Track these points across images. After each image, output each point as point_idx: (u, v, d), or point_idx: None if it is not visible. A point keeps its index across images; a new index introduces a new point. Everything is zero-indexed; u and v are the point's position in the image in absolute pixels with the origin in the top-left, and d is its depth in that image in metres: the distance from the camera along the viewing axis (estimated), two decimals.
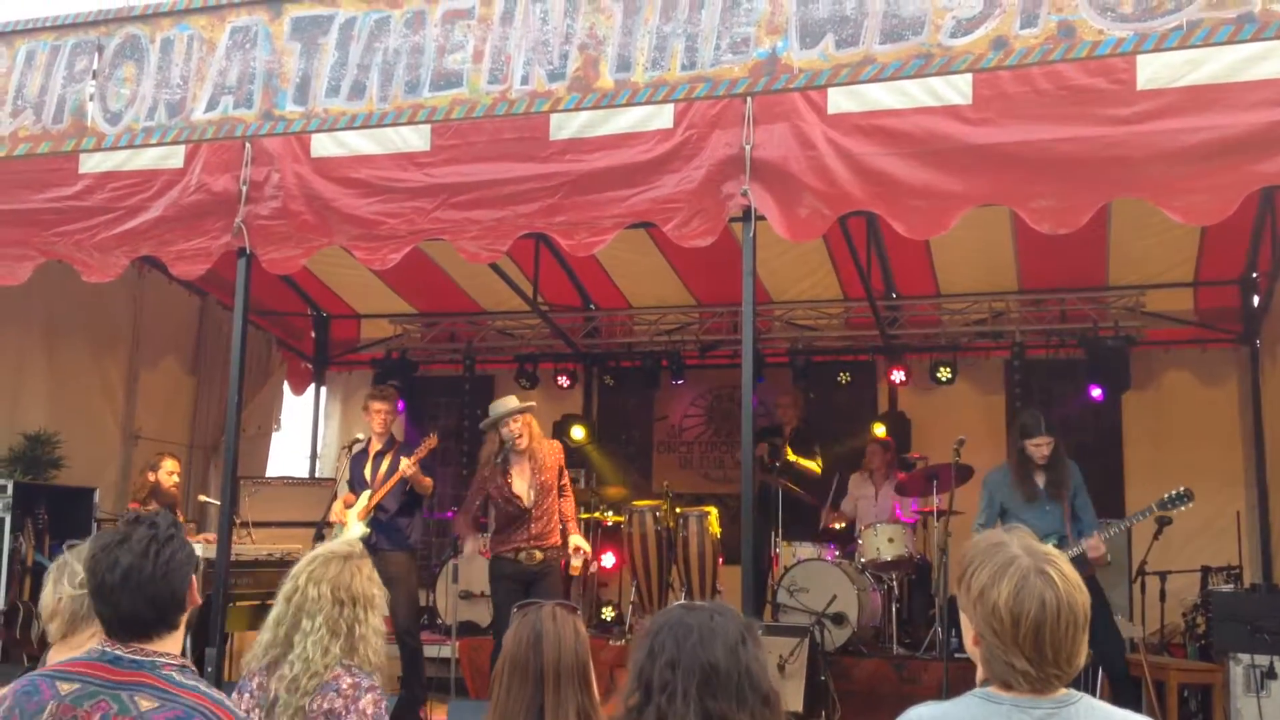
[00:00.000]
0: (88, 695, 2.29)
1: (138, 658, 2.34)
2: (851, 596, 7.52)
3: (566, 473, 6.89)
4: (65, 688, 2.30)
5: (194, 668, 2.43)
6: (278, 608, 3.22)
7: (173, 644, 2.42)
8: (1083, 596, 2.07)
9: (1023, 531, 2.18)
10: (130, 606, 2.36)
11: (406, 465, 6.76)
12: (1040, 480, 6.23)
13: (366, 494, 6.91)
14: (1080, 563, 6.02)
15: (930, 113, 4.87)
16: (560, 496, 6.74)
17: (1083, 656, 2.07)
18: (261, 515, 8.30)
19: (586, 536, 9.50)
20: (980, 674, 2.14)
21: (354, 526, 6.80)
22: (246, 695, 3.17)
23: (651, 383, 10.38)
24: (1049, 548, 2.15)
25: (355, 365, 11.06)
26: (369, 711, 3.05)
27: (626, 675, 2.29)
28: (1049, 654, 2.02)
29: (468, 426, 10.76)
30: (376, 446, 7.08)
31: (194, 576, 2.46)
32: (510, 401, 6.74)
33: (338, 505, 7.06)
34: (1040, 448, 6.17)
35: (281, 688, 3.09)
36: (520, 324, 10.27)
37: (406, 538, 7.03)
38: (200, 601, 2.52)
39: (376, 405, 7.09)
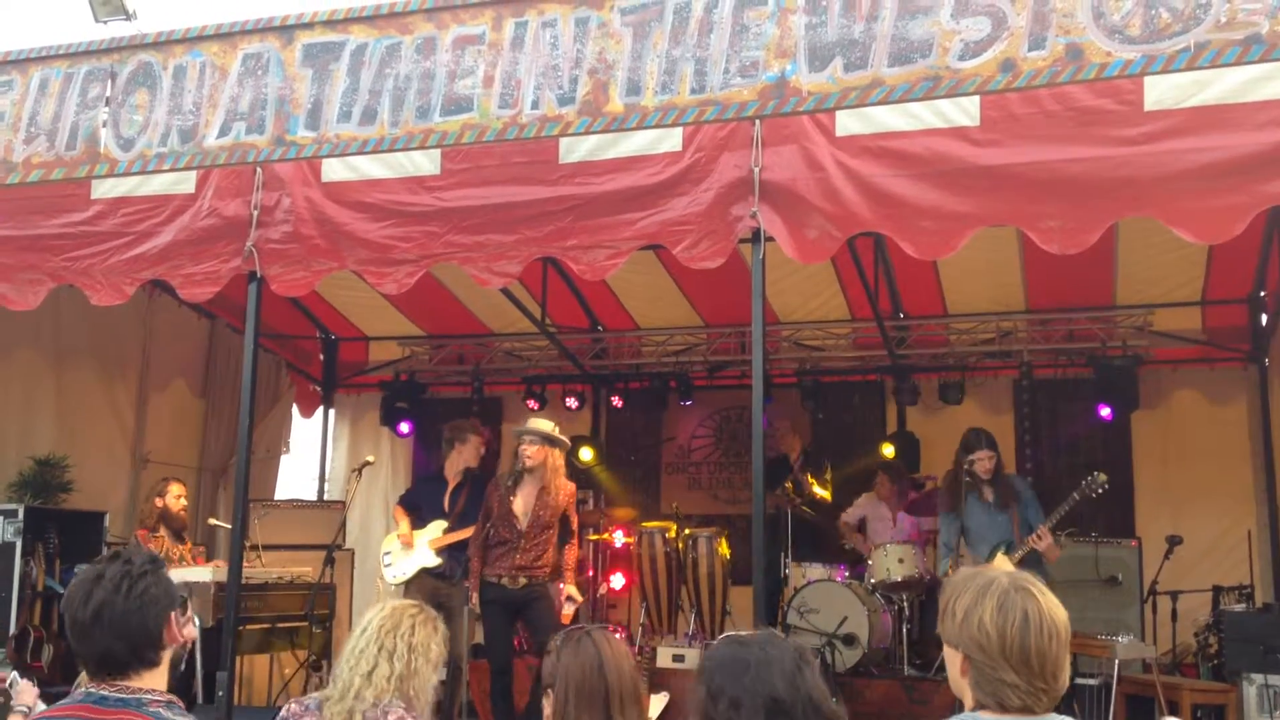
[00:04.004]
0: None
1: (124, 696, 2.33)
2: (862, 617, 7.50)
3: (575, 519, 6.78)
4: None
5: (180, 704, 2.41)
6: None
7: (156, 680, 2.39)
8: (1061, 613, 2.14)
9: (1002, 567, 2.24)
10: (103, 643, 2.34)
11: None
12: (989, 494, 6.67)
13: (440, 524, 7.06)
14: (1033, 562, 6.31)
15: (938, 134, 4.89)
16: (565, 544, 6.67)
17: (1066, 673, 2.13)
18: (271, 538, 8.32)
19: (596, 558, 9.45)
20: (968, 704, 2.18)
21: (425, 554, 6.90)
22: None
23: (660, 404, 10.38)
24: (1025, 573, 2.23)
25: (364, 388, 11.06)
26: None
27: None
28: (1035, 665, 2.08)
29: None
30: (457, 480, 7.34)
31: (174, 614, 2.40)
32: (545, 425, 6.69)
33: (404, 526, 7.20)
34: (982, 461, 6.64)
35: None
36: (528, 345, 10.28)
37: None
38: (183, 639, 2.43)
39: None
